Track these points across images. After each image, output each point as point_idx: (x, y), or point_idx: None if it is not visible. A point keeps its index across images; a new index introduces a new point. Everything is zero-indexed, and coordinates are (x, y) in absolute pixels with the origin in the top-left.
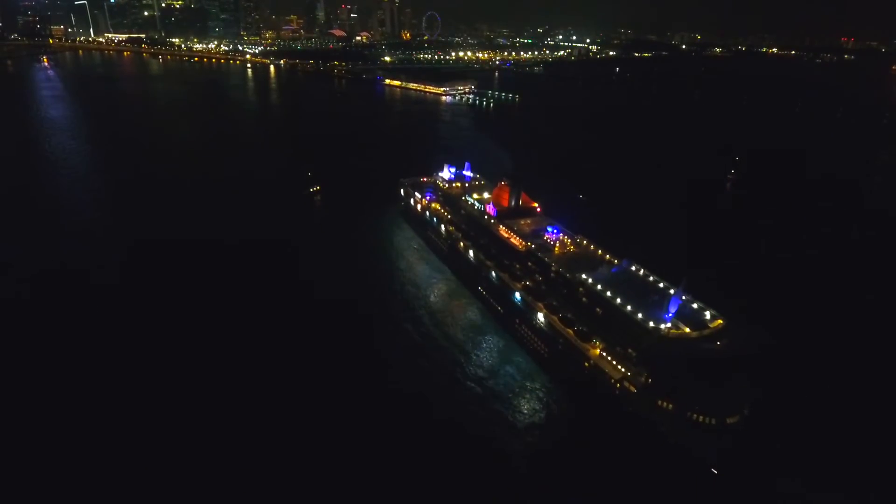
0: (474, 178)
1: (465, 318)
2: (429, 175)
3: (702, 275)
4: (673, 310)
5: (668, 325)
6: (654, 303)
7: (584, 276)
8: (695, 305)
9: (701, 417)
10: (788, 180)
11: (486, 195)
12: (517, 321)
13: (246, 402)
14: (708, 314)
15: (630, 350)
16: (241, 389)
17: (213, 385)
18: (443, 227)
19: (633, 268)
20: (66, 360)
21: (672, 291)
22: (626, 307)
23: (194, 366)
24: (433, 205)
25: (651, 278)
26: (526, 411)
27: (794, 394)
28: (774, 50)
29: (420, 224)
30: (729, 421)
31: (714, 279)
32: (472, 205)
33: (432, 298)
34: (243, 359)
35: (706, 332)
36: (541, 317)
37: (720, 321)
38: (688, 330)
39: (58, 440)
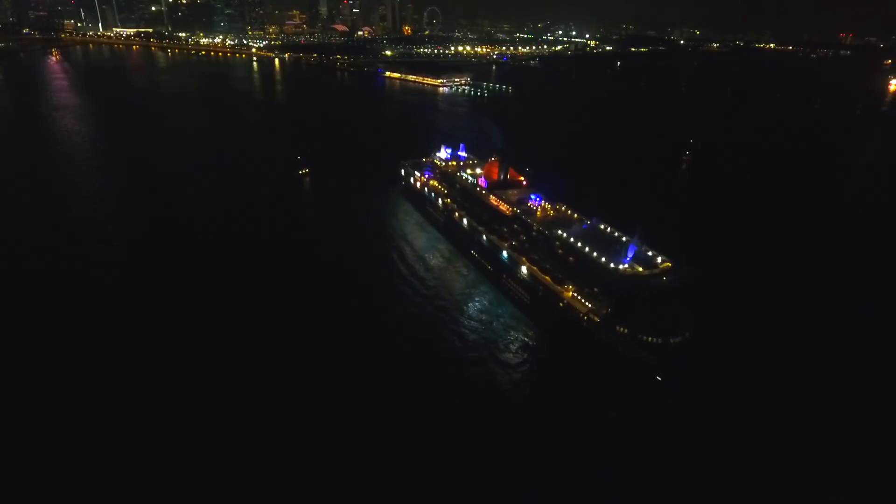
0: (468, 158)
1: (460, 277)
2: (427, 156)
3: (655, 229)
4: (630, 255)
5: (626, 266)
6: (616, 251)
7: (560, 231)
8: (649, 253)
9: (650, 338)
10: (737, 161)
11: (478, 171)
12: (504, 276)
13: (256, 357)
14: (659, 258)
15: (595, 289)
16: (250, 348)
17: (217, 343)
18: (440, 200)
19: (601, 226)
20: (61, 342)
21: (630, 242)
22: (592, 254)
23: (196, 332)
24: (431, 182)
25: (616, 233)
26: (511, 348)
27: (726, 319)
28: (772, 45)
29: (419, 200)
30: (672, 341)
31: (665, 232)
32: (466, 179)
33: (431, 262)
34: (251, 320)
35: (656, 271)
36: (524, 269)
37: (668, 263)
38: (641, 269)
39: (55, 432)
